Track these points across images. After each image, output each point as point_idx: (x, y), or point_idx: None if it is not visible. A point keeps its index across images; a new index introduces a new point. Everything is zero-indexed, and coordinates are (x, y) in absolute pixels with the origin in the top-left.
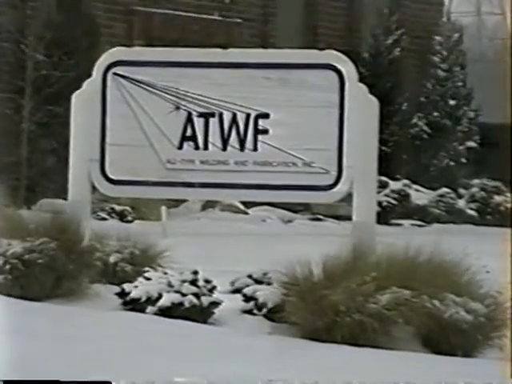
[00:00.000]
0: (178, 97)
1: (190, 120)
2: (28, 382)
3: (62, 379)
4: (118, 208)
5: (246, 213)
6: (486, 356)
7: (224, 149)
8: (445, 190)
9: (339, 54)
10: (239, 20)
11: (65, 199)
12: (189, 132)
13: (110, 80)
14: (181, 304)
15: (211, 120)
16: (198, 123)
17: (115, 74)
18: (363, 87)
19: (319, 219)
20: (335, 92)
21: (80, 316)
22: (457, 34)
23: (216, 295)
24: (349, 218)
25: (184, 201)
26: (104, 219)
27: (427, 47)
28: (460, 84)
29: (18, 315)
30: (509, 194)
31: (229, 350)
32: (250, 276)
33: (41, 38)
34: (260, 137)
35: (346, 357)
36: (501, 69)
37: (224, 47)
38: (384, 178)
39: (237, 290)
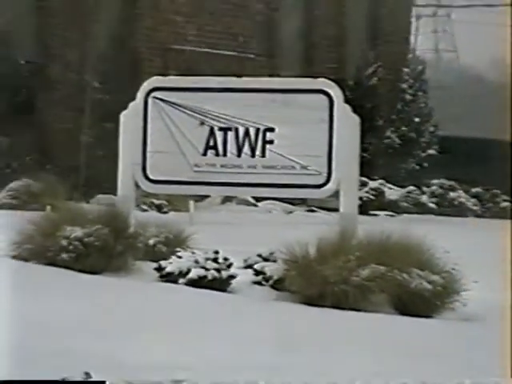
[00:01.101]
0: (203, 115)
1: (212, 133)
2: (28, 381)
3: (108, 329)
4: (156, 202)
5: (256, 205)
6: (443, 317)
7: (239, 155)
8: (411, 187)
9: (329, 81)
10: (251, 55)
11: (115, 195)
12: (211, 142)
13: (150, 102)
14: (205, 277)
15: (229, 133)
16: (219, 135)
17: (154, 97)
18: (348, 107)
19: (314, 211)
20: (326, 111)
21: (126, 286)
22: (420, 66)
23: (232, 270)
24: (336, 210)
25: (207, 196)
26: (145, 211)
27: (398, 76)
28: (423, 105)
29: (77, 286)
30: (460, 191)
31: (242, 313)
32: (259, 255)
33: (96, 69)
34: (267, 146)
35: (334, 318)
36: (454, 93)
37: (239, 76)
38: (364, 179)
39: (249, 266)
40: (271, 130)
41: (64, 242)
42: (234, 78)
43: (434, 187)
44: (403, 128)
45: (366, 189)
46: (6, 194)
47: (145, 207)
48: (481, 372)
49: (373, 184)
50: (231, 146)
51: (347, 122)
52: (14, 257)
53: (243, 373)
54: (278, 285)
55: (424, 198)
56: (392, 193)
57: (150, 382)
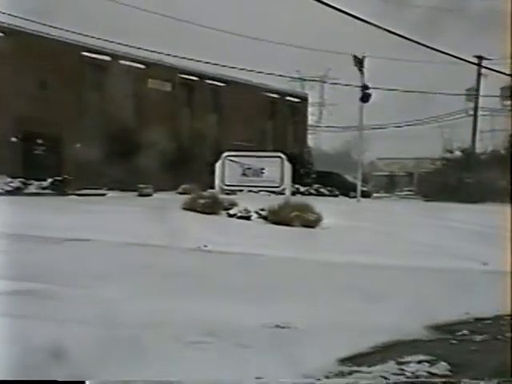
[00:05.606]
0: (241, 164)
1: (244, 169)
2: (28, 381)
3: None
4: (227, 191)
5: (258, 193)
6: (316, 228)
7: (253, 177)
8: (308, 187)
9: (281, 153)
10: (251, 144)
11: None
12: (244, 172)
13: (226, 160)
14: (242, 216)
15: (250, 169)
16: (247, 170)
17: (227, 159)
18: (288, 163)
19: (277, 194)
20: (280, 163)
21: (215, 218)
22: (310, 148)
23: (251, 213)
24: (284, 194)
25: (242, 190)
26: (223, 195)
27: (302, 152)
28: (311, 161)
29: (199, 220)
30: (295, 188)
31: (255, 227)
32: (259, 208)
33: (209, 150)
34: (262, 174)
35: (281, 228)
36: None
37: (251, 151)
38: (292, 183)
39: (255, 212)
40: (263, 168)
41: (199, 204)
42: (251, 152)
43: (303, 189)
44: (305, 169)
45: (293, 187)
46: (177, 192)
47: (224, 194)
48: (326, 242)
49: (295, 185)
50: (251, 174)
51: (287, 167)
52: (183, 208)
53: (256, 243)
54: (266, 218)
55: (311, 190)
56: (300, 189)
57: (149, 382)
